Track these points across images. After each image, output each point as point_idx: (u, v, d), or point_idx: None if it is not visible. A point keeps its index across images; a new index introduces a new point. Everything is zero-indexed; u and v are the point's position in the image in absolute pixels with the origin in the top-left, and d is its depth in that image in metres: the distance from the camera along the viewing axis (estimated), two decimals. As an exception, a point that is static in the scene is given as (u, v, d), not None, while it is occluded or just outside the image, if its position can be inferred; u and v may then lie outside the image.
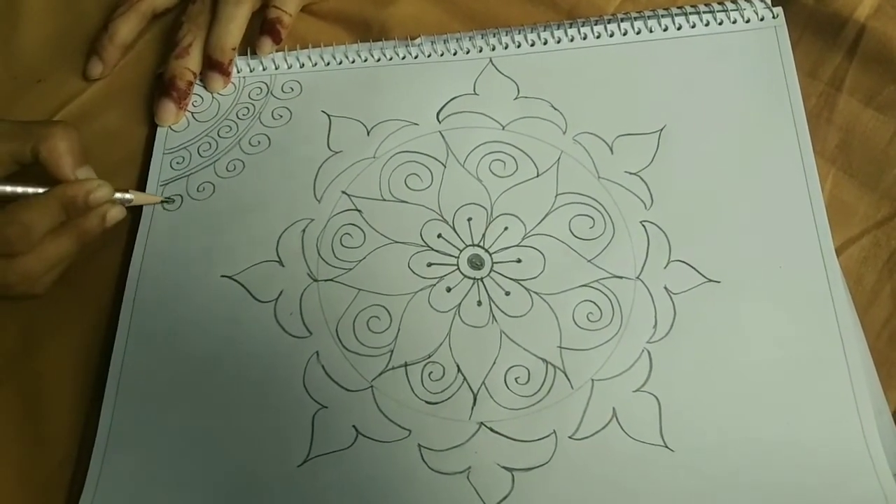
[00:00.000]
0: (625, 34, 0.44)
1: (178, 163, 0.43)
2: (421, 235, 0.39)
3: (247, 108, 0.45)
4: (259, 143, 0.43)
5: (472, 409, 0.35)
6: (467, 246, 0.39)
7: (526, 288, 0.38)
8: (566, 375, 0.36)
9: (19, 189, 0.37)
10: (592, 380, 0.35)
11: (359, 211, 0.40)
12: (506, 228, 0.39)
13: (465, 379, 0.36)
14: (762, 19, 0.43)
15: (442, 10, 0.47)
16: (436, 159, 0.41)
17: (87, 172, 0.38)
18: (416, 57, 0.45)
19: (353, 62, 0.45)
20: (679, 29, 0.43)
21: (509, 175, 0.41)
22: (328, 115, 0.43)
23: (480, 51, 0.44)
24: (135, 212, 0.42)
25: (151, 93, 0.46)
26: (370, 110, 0.43)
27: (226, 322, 0.38)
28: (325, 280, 0.39)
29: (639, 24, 0.44)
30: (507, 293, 0.38)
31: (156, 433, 0.36)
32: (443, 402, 0.35)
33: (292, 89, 0.45)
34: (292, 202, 0.41)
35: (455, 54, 0.45)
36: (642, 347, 0.36)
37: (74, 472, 0.36)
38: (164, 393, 0.37)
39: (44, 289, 0.38)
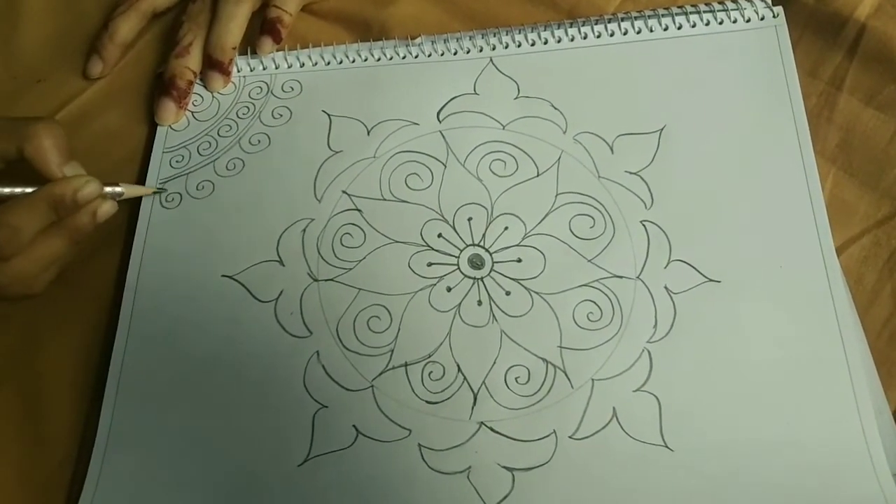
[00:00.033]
0: (625, 34, 0.44)
1: (177, 161, 0.43)
2: (421, 235, 0.39)
3: (247, 107, 0.45)
4: (259, 142, 0.43)
5: (473, 408, 0.35)
6: (467, 245, 0.39)
7: (526, 287, 0.38)
8: (566, 375, 0.36)
9: (6, 190, 0.36)
10: (592, 379, 0.35)
11: (359, 210, 0.40)
12: (506, 228, 0.39)
13: (465, 379, 0.36)
14: (762, 19, 0.43)
15: (442, 9, 0.47)
16: (436, 159, 0.41)
17: (74, 169, 0.38)
18: (416, 57, 0.45)
19: (353, 62, 0.45)
20: (679, 28, 0.43)
21: (509, 175, 0.41)
22: (328, 115, 0.43)
23: (481, 50, 0.44)
24: (133, 211, 0.42)
25: (151, 92, 0.46)
26: (370, 110, 0.43)
27: (226, 322, 0.38)
28: (326, 280, 0.39)
29: (639, 23, 0.44)
30: (508, 293, 0.38)
31: (156, 433, 0.36)
32: (443, 401, 0.35)
33: (292, 89, 0.45)
34: (292, 202, 0.41)
35: (455, 54, 0.45)
36: (642, 347, 0.36)
37: (74, 472, 0.36)
38: (164, 393, 0.37)
39: (41, 288, 0.38)
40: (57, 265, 0.38)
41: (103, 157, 0.44)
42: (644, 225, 0.39)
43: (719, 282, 0.37)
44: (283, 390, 0.36)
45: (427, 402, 0.35)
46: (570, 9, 0.47)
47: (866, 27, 0.43)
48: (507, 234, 0.39)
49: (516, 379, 0.36)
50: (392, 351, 0.37)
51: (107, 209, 0.38)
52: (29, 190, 0.37)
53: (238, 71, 0.46)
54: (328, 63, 0.45)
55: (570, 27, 0.44)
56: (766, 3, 0.43)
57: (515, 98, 0.43)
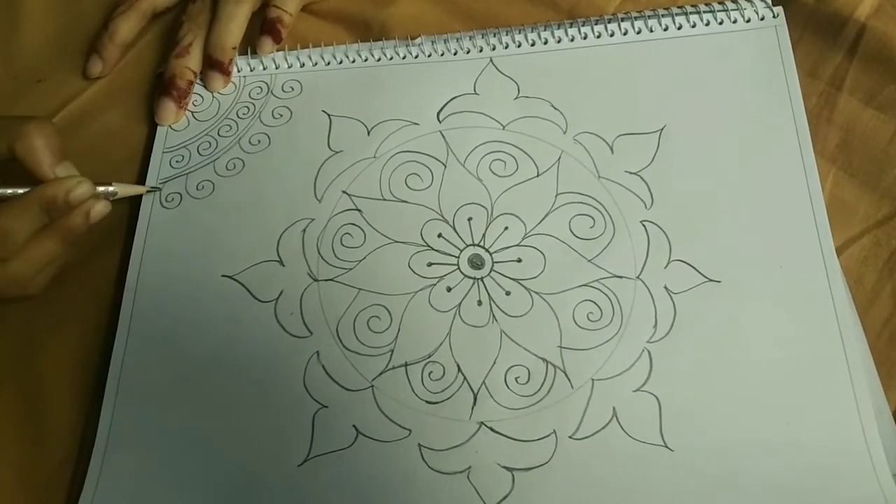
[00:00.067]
0: (625, 34, 0.44)
1: (177, 161, 0.43)
2: (421, 235, 0.39)
3: (247, 107, 0.45)
4: (259, 142, 0.43)
5: (473, 408, 0.35)
6: (467, 246, 0.39)
7: (526, 287, 0.38)
8: (566, 375, 0.36)
9: None
10: (592, 379, 0.35)
11: (359, 211, 0.40)
12: (506, 228, 0.39)
13: (465, 378, 0.36)
14: (762, 19, 0.43)
15: (442, 9, 0.47)
16: (436, 159, 0.41)
17: (67, 169, 0.37)
18: (416, 57, 0.45)
19: (354, 62, 0.45)
20: (679, 28, 0.43)
21: (509, 175, 0.41)
22: (328, 115, 0.43)
23: (481, 51, 0.44)
24: (133, 210, 0.42)
25: (151, 92, 0.46)
26: (370, 110, 0.43)
27: (226, 322, 0.38)
28: (326, 280, 0.39)
29: (639, 23, 0.44)
30: (508, 293, 0.38)
31: (156, 433, 0.36)
32: (443, 401, 0.35)
33: (292, 89, 0.45)
34: (292, 202, 0.41)
35: (455, 54, 0.45)
36: (642, 347, 0.36)
37: (74, 471, 0.36)
38: (164, 393, 0.37)
39: (37, 290, 0.38)
40: (53, 266, 0.38)
41: (103, 158, 0.44)
42: (644, 225, 0.39)
43: (719, 282, 0.37)
44: (283, 390, 0.36)
45: (427, 402, 0.35)
46: (570, 9, 0.47)
47: (866, 27, 0.43)
48: (507, 234, 0.39)
49: (516, 379, 0.36)
50: (392, 351, 0.37)
51: (100, 209, 0.38)
52: (21, 191, 0.36)
53: (238, 71, 0.46)
54: (328, 63, 0.45)
55: (570, 27, 0.44)
56: (766, 3, 0.43)
57: (515, 98, 0.43)
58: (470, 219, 0.40)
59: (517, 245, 0.39)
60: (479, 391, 0.36)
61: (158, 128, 0.44)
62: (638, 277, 0.37)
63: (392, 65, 0.45)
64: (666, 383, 0.35)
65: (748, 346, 0.35)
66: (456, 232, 0.39)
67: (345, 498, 0.34)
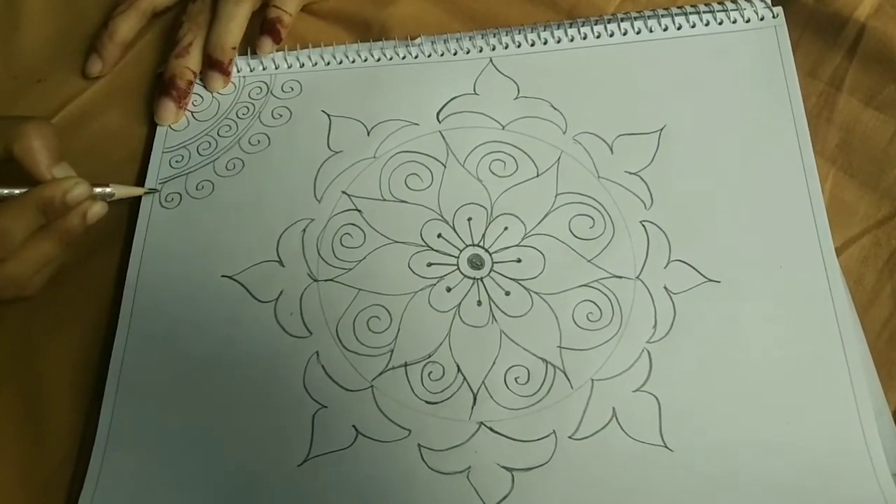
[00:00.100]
0: (625, 34, 0.44)
1: (177, 161, 0.43)
2: (421, 235, 0.39)
3: (247, 107, 0.45)
4: (259, 142, 0.43)
5: (472, 408, 0.35)
6: (467, 246, 0.39)
7: (526, 288, 0.38)
8: (566, 375, 0.36)
9: None
10: (592, 380, 0.35)
11: (359, 211, 0.40)
12: (506, 228, 0.39)
13: (464, 379, 0.36)
14: (762, 19, 0.43)
15: (442, 10, 0.47)
16: (436, 159, 0.41)
17: (64, 170, 0.37)
18: (416, 57, 0.45)
19: (353, 62, 0.45)
20: (679, 29, 0.43)
21: (509, 175, 0.41)
22: (328, 115, 0.43)
23: (480, 51, 0.44)
24: (133, 211, 0.42)
25: (151, 92, 0.46)
26: (370, 110, 0.43)
27: (226, 322, 0.38)
28: (326, 280, 0.39)
29: (639, 23, 0.44)
30: (507, 293, 0.38)
31: (156, 433, 0.36)
32: (443, 401, 0.35)
33: (292, 89, 0.45)
34: (292, 202, 0.41)
35: (455, 54, 0.45)
36: (642, 347, 0.36)
37: (74, 471, 0.36)
38: (164, 392, 0.37)
39: (35, 290, 0.38)
40: (50, 267, 0.38)
41: (103, 158, 0.44)
42: (644, 225, 0.39)
43: (719, 282, 0.37)
44: (283, 390, 0.36)
45: (427, 402, 0.35)
46: (569, 9, 0.47)
47: (866, 27, 0.43)
48: (507, 234, 0.39)
49: (516, 379, 0.36)
50: (392, 351, 0.37)
51: (97, 210, 0.38)
52: (18, 191, 0.36)
53: (238, 71, 0.46)
54: (328, 63, 0.45)
55: (570, 27, 0.44)
56: (765, 3, 0.43)
57: (515, 98, 0.43)
58: (470, 219, 0.40)
59: (517, 245, 0.39)
60: (478, 391, 0.36)
61: (158, 128, 0.44)
62: (637, 277, 0.37)
63: (392, 65, 0.45)
64: (665, 383, 0.35)
65: (748, 347, 0.35)
66: (456, 232, 0.39)
67: (344, 498, 0.34)
